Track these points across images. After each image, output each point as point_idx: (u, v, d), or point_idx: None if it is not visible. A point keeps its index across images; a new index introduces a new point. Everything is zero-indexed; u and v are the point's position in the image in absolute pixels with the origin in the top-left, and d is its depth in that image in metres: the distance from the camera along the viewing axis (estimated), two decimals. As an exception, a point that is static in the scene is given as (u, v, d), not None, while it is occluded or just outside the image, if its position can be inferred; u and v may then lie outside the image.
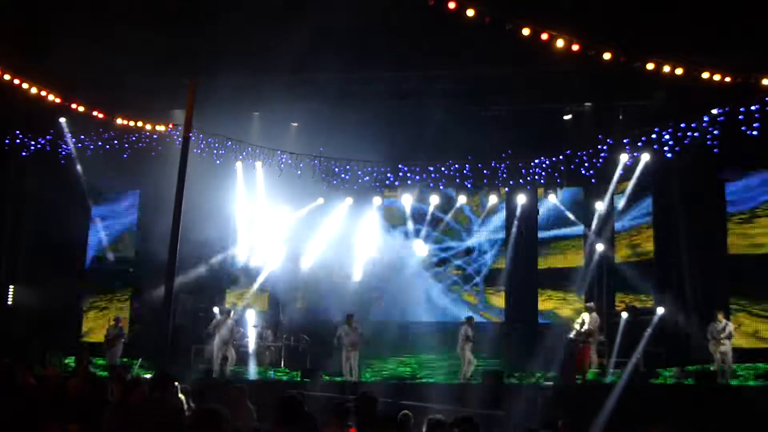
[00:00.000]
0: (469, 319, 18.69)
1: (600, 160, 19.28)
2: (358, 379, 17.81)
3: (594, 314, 18.14)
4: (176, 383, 7.98)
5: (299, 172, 19.38)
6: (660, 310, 18.50)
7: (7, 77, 17.05)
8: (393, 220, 22.64)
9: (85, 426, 5.71)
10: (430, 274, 22.60)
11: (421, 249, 22.27)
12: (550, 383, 16.81)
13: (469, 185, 20.62)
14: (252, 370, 18.69)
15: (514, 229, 21.74)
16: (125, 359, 18.45)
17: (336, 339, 18.28)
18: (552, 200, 21.02)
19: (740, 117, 16.47)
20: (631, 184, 20.48)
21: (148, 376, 11.94)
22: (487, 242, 22.78)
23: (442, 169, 20.03)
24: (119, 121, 19.33)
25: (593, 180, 20.02)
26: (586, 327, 17.74)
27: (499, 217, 22.54)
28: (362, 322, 18.92)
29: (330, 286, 21.18)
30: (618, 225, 21.05)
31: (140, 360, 18.05)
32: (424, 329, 20.65)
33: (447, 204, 22.01)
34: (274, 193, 20.84)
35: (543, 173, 19.79)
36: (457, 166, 20.00)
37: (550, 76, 17.86)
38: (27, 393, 6.71)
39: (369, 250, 21.62)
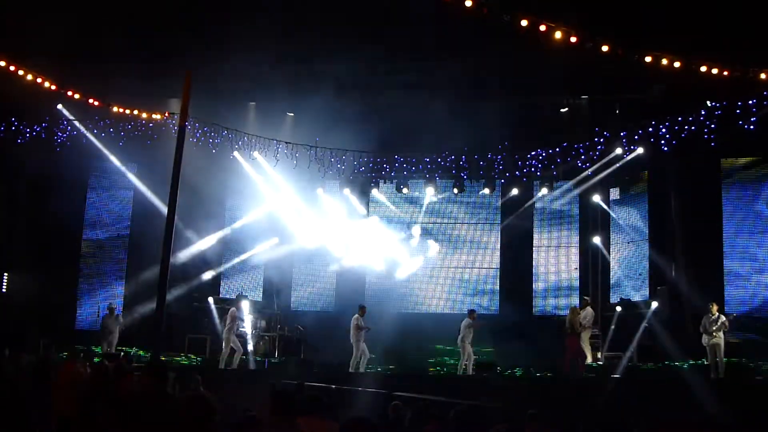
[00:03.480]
0: (471, 312, 18.53)
1: (596, 154, 19.28)
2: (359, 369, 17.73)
3: (588, 308, 18.17)
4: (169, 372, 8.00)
5: (295, 162, 19.34)
6: (654, 304, 18.56)
7: (2, 63, 16.99)
8: (389, 210, 22.65)
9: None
10: (428, 266, 22.60)
11: (416, 240, 22.30)
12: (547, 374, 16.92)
13: (465, 177, 20.61)
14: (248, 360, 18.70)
15: (509, 222, 21.81)
16: (120, 348, 18.48)
17: (358, 330, 17.63)
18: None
19: (737, 111, 16.48)
20: (627, 178, 20.55)
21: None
22: (482, 235, 22.77)
23: (438, 160, 20.02)
24: (115, 109, 19.30)
25: (589, 173, 20.03)
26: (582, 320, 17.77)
27: (496, 209, 22.53)
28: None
29: (324, 276, 21.20)
30: (614, 218, 21.07)
31: (134, 349, 18.06)
32: (424, 322, 20.66)
33: (442, 195, 22.04)
34: (272, 183, 20.88)
35: (539, 166, 19.79)
36: (453, 157, 19.98)
37: (547, 68, 17.80)
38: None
39: (367, 241, 21.62)
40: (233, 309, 18.25)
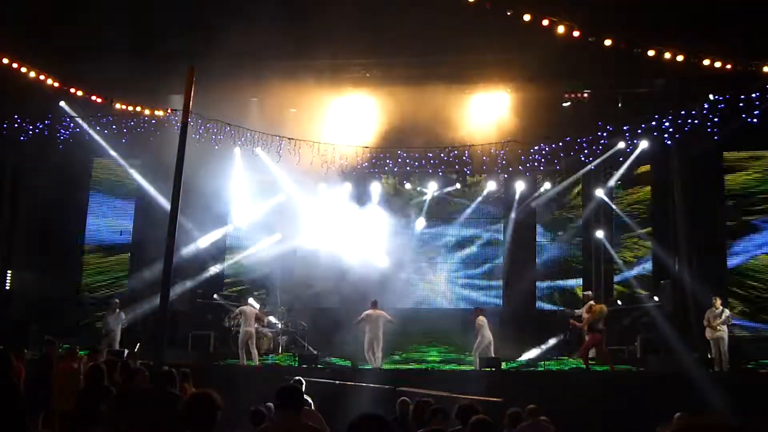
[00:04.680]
0: (478, 309, 18.58)
1: (599, 148, 19.25)
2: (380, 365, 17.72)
3: (592, 302, 18.15)
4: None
5: (298, 158, 19.31)
6: (657, 298, 18.53)
7: (5, 61, 16.98)
8: (392, 205, 22.63)
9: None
10: (431, 261, 22.58)
11: (421, 234, 22.30)
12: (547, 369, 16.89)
13: (468, 171, 20.57)
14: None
15: (512, 216, 21.77)
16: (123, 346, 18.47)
17: (360, 324, 17.98)
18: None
19: (740, 104, 16.45)
20: (630, 172, 20.50)
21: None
22: (485, 229, 22.73)
23: (441, 155, 19.96)
24: (118, 105, 19.29)
25: (592, 167, 19.99)
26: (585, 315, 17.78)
27: (498, 204, 22.50)
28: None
29: (327, 272, 21.16)
30: (616, 211, 21.04)
31: (137, 346, 18.06)
32: (429, 317, 20.65)
33: (446, 190, 22.02)
34: (274, 178, 20.88)
35: (542, 160, 19.74)
36: (456, 152, 19.93)
37: (550, 62, 17.75)
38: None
39: (369, 236, 21.59)
40: (259, 310, 18.43)
